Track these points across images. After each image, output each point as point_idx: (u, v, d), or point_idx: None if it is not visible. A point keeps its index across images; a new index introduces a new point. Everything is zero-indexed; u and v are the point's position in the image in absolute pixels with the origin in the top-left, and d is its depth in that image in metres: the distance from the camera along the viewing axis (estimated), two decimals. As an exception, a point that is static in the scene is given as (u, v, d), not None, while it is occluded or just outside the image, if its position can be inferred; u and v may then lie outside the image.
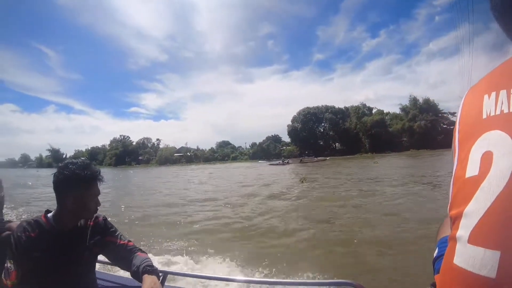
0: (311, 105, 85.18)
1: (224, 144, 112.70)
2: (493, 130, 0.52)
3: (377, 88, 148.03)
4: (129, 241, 1.60)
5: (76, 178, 1.35)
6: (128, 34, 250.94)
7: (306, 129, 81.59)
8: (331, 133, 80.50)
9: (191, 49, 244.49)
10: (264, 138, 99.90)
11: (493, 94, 0.54)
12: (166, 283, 1.68)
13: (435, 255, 0.71)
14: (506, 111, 0.51)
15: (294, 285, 2.11)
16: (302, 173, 26.21)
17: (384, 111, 79.09)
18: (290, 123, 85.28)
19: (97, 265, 1.65)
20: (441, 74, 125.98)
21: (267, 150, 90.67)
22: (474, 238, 0.49)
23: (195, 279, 3.16)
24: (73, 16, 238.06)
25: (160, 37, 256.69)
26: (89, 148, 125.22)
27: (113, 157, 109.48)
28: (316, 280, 1.55)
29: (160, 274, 1.63)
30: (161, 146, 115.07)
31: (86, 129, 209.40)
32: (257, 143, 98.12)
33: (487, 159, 0.51)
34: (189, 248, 6.44)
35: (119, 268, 1.64)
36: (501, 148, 0.49)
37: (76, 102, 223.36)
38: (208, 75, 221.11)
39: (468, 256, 0.49)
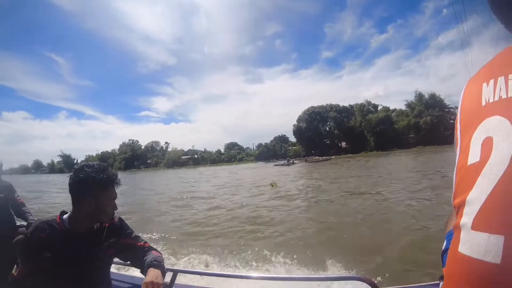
0: (321, 103, 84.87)
1: (232, 146, 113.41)
2: (493, 116, 0.52)
3: (387, 84, 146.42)
4: (145, 242, 1.59)
5: (92, 181, 1.34)
6: (135, 38, 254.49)
7: (311, 128, 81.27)
8: (336, 132, 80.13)
9: (199, 51, 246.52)
10: (272, 139, 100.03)
11: (491, 81, 0.55)
12: (176, 282, 1.67)
13: (443, 247, 0.69)
14: (504, 96, 0.52)
15: (307, 280, 2.16)
16: (296, 174, 26.41)
17: (390, 108, 78.52)
18: (296, 122, 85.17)
19: (113, 266, 1.65)
20: (451, 67, 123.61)
21: (273, 151, 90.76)
22: (478, 224, 0.49)
23: (205, 277, 3.20)
24: (80, 23, 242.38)
25: (167, 40, 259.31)
26: (99, 153, 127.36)
27: (122, 161, 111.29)
28: (328, 275, 1.68)
29: (169, 272, 1.65)
30: (169, 149, 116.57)
31: (98, 134, 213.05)
32: (263, 144, 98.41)
33: (487, 145, 0.51)
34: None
35: (134, 269, 1.62)
36: (500, 132, 0.49)
37: (87, 108, 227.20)
38: (218, 77, 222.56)
39: (472, 242, 0.49)
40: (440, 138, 57.41)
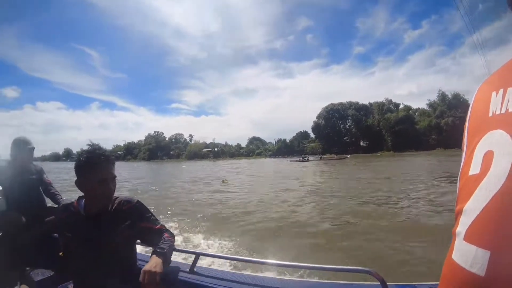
0: (352, 99, 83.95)
1: (254, 140, 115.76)
2: (497, 129, 0.53)
3: (420, 82, 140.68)
4: (162, 225, 1.59)
5: (78, 163, 1.40)
6: (168, 33, 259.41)
7: (329, 125, 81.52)
8: (353, 130, 79.83)
9: (230, 45, 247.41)
10: (294, 134, 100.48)
11: (501, 91, 0.54)
12: (197, 264, 1.70)
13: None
14: (511, 110, 0.51)
15: (318, 269, 2.19)
16: (287, 171, 26.97)
17: (413, 107, 76.88)
18: (316, 119, 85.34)
19: (141, 248, 1.68)
20: (488, 66, 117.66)
21: (290, 147, 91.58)
22: (469, 236, 0.51)
23: (225, 260, 3.29)
24: (114, 18, 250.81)
25: (198, 34, 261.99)
26: (126, 143, 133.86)
27: (146, 152, 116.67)
28: (339, 267, 1.76)
29: (191, 254, 1.77)
30: (192, 141, 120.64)
31: (130, 125, 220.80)
32: (281, 140, 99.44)
33: (488, 159, 0.52)
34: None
35: None
36: (501, 148, 0.50)
37: (120, 99, 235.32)
38: (249, 71, 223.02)
39: (462, 252, 0.51)
40: (462, 140, 55.36)
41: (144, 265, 1.33)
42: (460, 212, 0.56)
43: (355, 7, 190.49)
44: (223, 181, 19.20)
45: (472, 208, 0.52)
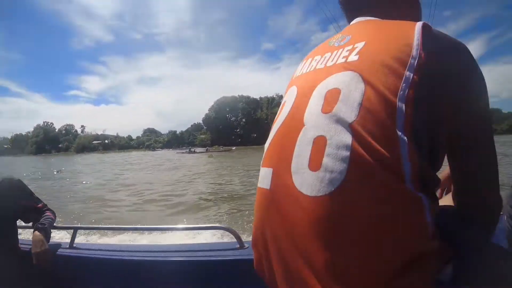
0: (258, 93, 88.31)
1: (148, 132, 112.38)
2: (292, 86, 0.68)
3: None
4: (44, 204, 1.60)
5: None
6: (73, 10, 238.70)
7: (220, 118, 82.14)
8: (241, 123, 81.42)
9: (139, 30, 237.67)
10: (189, 126, 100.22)
11: (304, 61, 0.71)
12: (76, 239, 1.64)
13: None
14: (304, 72, 0.67)
15: (185, 230, 2.23)
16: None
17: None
18: (208, 111, 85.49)
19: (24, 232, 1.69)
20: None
21: (181, 138, 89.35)
22: (263, 162, 0.65)
23: (104, 231, 3.71)
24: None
25: (107, 15, 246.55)
26: (13, 135, 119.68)
27: (33, 144, 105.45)
28: (196, 225, 1.91)
29: (69, 230, 1.79)
30: (84, 133, 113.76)
31: (23, 114, 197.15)
32: (172, 132, 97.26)
33: (282, 107, 0.67)
34: None
35: None
36: (290, 97, 0.65)
37: (13, 84, 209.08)
38: (156, 59, 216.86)
39: (260, 176, 0.64)
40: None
41: (24, 246, 1.47)
42: None
43: (270, 4, 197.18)
44: (57, 172, 20.87)
45: (267, 142, 0.66)
